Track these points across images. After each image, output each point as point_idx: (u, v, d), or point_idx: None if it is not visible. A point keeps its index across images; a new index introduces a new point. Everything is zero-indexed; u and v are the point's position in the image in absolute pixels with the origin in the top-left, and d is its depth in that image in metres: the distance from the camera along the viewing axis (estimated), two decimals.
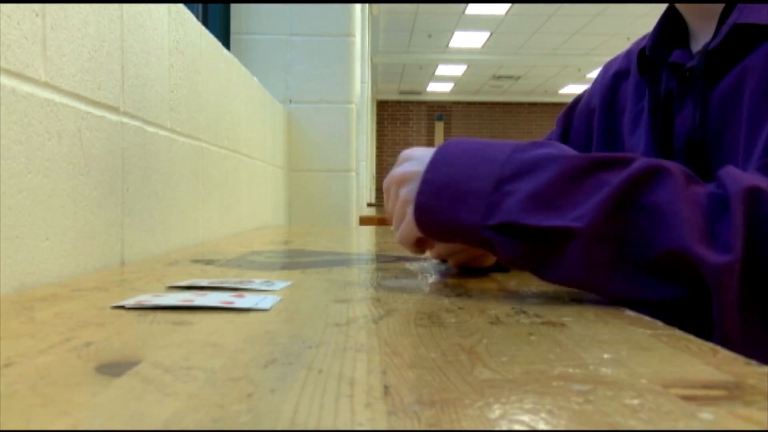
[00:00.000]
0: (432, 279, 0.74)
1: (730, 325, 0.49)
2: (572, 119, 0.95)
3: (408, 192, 0.62)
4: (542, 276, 0.57)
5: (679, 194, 0.51)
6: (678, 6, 0.78)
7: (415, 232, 0.62)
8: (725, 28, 0.67)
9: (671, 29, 0.79)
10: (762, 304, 0.48)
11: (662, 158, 0.60)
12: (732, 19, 0.67)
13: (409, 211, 0.61)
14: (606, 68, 0.92)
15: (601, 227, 0.52)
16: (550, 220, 0.53)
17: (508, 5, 8.35)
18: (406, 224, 0.63)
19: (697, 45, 0.76)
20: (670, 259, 0.50)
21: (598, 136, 0.88)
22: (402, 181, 0.63)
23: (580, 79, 12.54)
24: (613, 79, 0.88)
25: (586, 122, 0.92)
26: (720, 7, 0.71)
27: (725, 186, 0.52)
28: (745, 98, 0.65)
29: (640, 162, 0.53)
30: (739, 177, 0.51)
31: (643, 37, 0.84)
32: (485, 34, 9.91)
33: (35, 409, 0.28)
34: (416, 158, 0.63)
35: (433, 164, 0.59)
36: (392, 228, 0.67)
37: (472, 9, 8.56)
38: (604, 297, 0.56)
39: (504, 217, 0.55)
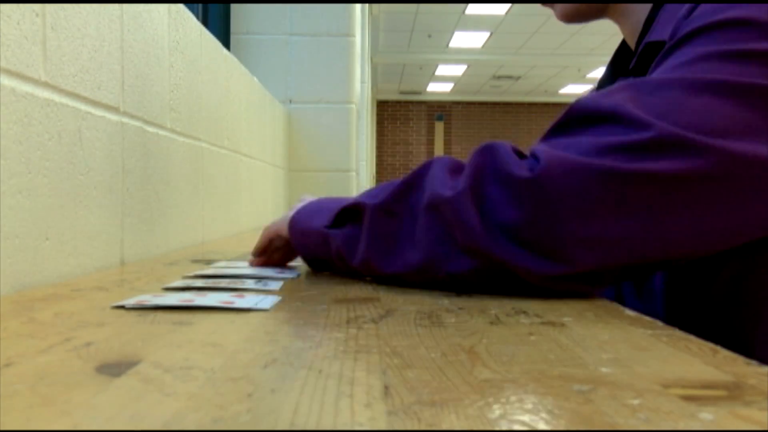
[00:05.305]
0: None
1: (483, 239, 0.58)
2: None
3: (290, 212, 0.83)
4: (350, 261, 0.70)
5: (443, 169, 0.64)
6: (620, 29, 0.81)
7: (280, 232, 0.82)
8: (640, 48, 0.71)
9: (623, 57, 0.83)
10: (501, 215, 0.58)
11: None
12: (646, 38, 0.71)
13: (289, 214, 0.81)
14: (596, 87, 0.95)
15: (388, 204, 0.66)
16: (365, 200, 0.69)
17: (508, 5, 8.34)
18: (278, 224, 0.83)
19: None
20: (430, 210, 0.62)
21: None
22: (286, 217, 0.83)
23: (580, 79, 12.53)
24: None
25: None
26: (640, 27, 0.74)
27: None
28: None
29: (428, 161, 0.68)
30: (486, 143, 0.63)
31: None
32: (485, 34, 9.90)
33: (35, 409, 0.28)
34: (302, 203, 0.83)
35: (310, 202, 0.81)
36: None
37: (472, 9, 8.55)
38: (401, 274, 0.65)
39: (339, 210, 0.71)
